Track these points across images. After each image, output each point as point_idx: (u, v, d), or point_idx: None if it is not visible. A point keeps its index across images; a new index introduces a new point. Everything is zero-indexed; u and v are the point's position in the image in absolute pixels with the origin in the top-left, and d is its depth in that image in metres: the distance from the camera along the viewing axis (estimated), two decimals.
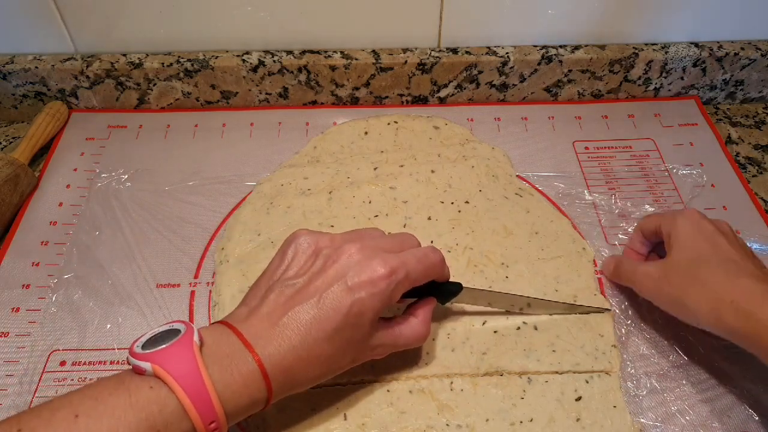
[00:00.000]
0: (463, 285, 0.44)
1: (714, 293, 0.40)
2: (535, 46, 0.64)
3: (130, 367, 0.34)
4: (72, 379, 0.45)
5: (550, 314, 0.48)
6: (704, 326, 0.41)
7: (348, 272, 0.37)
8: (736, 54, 0.64)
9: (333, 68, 0.63)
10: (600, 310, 0.48)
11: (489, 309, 0.48)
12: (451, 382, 0.44)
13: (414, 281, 0.40)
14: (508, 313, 0.48)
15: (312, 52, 0.64)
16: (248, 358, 0.35)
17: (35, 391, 0.44)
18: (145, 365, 0.33)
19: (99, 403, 0.31)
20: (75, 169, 0.59)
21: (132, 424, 0.31)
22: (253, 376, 0.35)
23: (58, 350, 0.46)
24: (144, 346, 0.34)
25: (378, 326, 0.40)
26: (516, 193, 0.57)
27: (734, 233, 0.46)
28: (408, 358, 0.45)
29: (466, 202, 0.56)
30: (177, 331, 0.35)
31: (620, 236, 0.53)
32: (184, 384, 0.32)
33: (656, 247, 0.50)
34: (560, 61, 0.63)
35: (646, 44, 0.65)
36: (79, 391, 0.33)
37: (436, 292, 0.43)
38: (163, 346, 0.34)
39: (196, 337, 0.34)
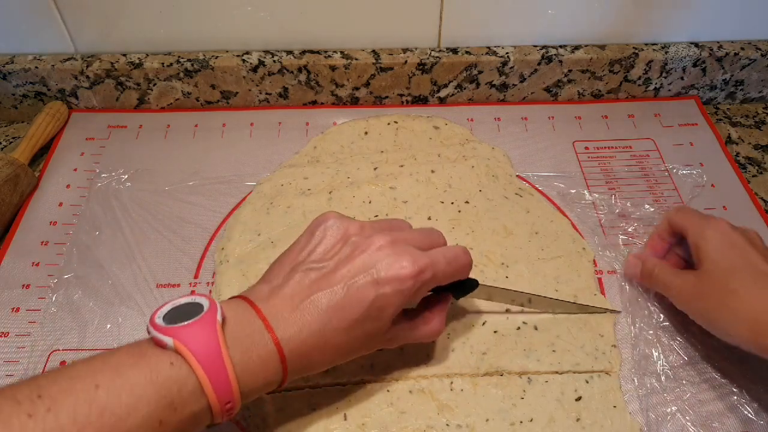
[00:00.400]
0: (479, 282, 0.44)
1: (750, 312, 0.39)
2: (535, 46, 0.64)
3: (149, 336, 0.33)
4: None
5: (557, 313, 0.48)
6: (742, 346, 0.40)
7: (376, 265, 0.37)
8: (736, 54, 0.64)
9: (333, 68, 0.63)
10: (604, 311, 0.48)
11: (488, 308, 0.48)
12: (451, 382, 0.44)
13: (440, 281, 0.39)
14: (508, 312, 0.48)
15: (312, 52, 0.64)
16: (268, 341, 0.34)
17: None
18: (168, 340, 0.32)
19: (119, 376, 0.31)
20: (75, 169, 0.59)
21: (152, 401, 0.31)
22: (271, 359, 0.34)
23: (58, 350, 0.46)
24: (166, 319, 0.33)
25: (397, 321, 0.39)
26: (516, 193, 0.57)
27: (763, 242, 0.44)
28: (408, 358, 0.45)
29: (466, 202, 0.56)
30: (200, 306, 0.34)
31: (620, 236, 0.53)
32: (205, 364, 0.32)
33: (681, 241, 0.49)
34: (560, 61, 0.63)
35: (646, 44, 0.65)
36: (100, 357, 0.32)
37: (454, 287, 0.43)
38: (187, 322, 0.33)
39: (219, 316, 0.34)
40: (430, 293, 0.42)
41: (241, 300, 0.37)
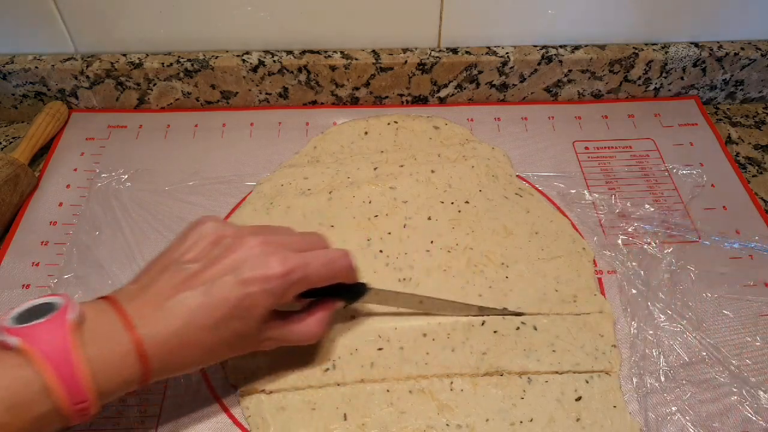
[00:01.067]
0: (369, 286, 0.44)
1: None
2: (535, 46, 0.64)
3: None
4: None
5: (456, 317, 0.47)
6: None
7: (243, 265, 0.37)
8: (736, 54, 0.64)
9: (333, 68, 0.63)
10: (510, 313, 0.47)
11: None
12: (451, 382, 0.44)
13: (314, 283, 0.40)
14: (505, 311, 0.48)
15: (312, 52, 0.64)
16: (127, 339, 0.34)
17: None
18: (13, 340, 0.32)
19: None
20: (75, 169, 0.59)
21: None
22: (130, 357, 0.34)
23: None
24: (19, 320, 0.33)
25: (270, 320, 0.39)
26: (516, 193, 0.57)
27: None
28: (408, 358, 0.45)
29: (466, 202, 0.56)
30: (53, 306, 0.34)
31: (620, 236, 0.53)
32: (53, 363, 0.31)
33: None
34: (560, 61, 0.63)
35: (646, 44, 0.65)
36: None
37: (342, 292, 0.43)
38: (36, 322, 0.33)
39: (72, 314, 0.33)
40: (315, 299, 0.42)
41: (103, 300, 0.37)
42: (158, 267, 0.38)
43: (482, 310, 0.48)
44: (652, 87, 0.66)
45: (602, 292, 0.50)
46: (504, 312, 0.48)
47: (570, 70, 0.64)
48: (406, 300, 0.47)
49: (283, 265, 0.37)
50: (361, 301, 0.44)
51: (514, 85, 0.66)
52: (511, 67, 0.64)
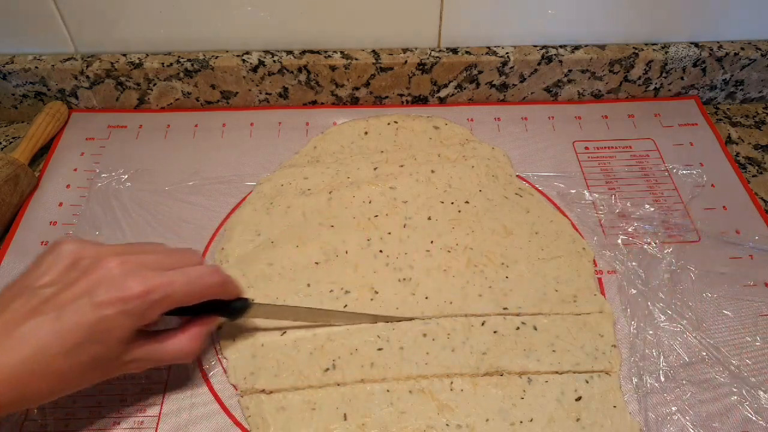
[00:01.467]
0: (252, 302, 0.43)
1: None
2: (535, 46, 0.64)
3: None
4: None
5: (341, 325, 0.47)
6: None
7: (99, 287, 0.36)
8: (736, 54, 0.64)
9: (333, 68, 0.63)
10: (399, 319, 0.47)
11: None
12: (451, 382, 0.44)
13: (178, 302, 0.38)
14: (505, 311, 0.48)
15: (312, 52, 0.64)
16: None
17: None
18: None
19: None
20: (75, 169, 0.59)
21: None
22: None
23: None
24: None
25: (134, 342, 0.38)
26: (516, 193, 0.57)
27: None
28: (408, 358, 0.45)
29: (466, 202, 0.56)
30: None
31: (620, 236, 0.53)
32: None
33: None
34: (560, 61, 0.63)
35: (646, 44, 0.65)
36: None
37: (223, 308, 0.42)
38: None
39: None
40: (190, 317, 0.41)
41: None
42: (11, 293, 0.37)
43: (376, 318, 0.47)
44: (652, 87, 0.66)
45: (602, 292, 0.50)
46: (401, 318, 0.47)
47: (570, 70, 0.64)
48: (293, 312, 0.46)
49: (143, 285, 0.36)
50: (246, 316, 0.44)
51: (514, 85, 0.66)
52: (511, 67, 0.64)
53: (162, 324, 0.40)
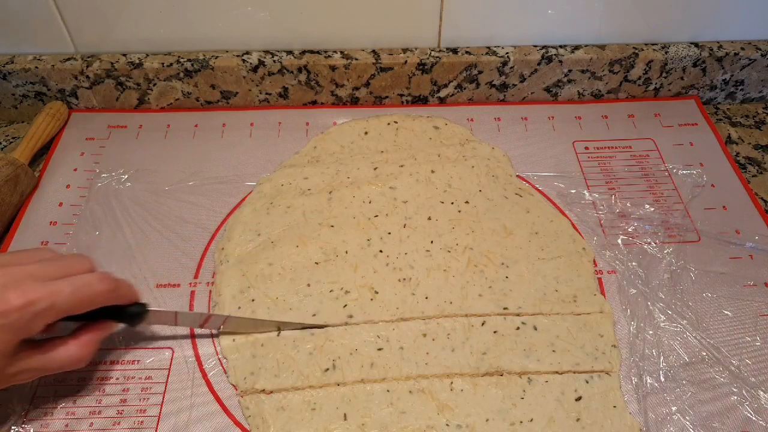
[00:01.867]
0: (148, 307, 0.43)
1: None
2: (535, 46, 0.64)
3: None
4: (72, 379, 0.45)
5: (242, 333, 0.47)
6: None
7: None
8: (736, 54, 0.64)
9: (333, 68, 0.63)
10: (318, 326, 0.47)
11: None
12: (451, 382, 0.44)
13: (65, 311, 0.38)
14: (506, 311, 0.48)
15: (312, 52, 0.64)
16: None
17: (35, 392, 0.44)
18: None
19: None
20: (75, 169, 0.59)
21: None
22: None
23: None
24: None
25: (19, 353, 0.38)
26: (516, 193, 0.57)
27: None
28: (408, 358, 0.45)
29: (466, 202, 0.56)
30: None
31: (620, 236, 0.53)
32: None
33: None
34: (560, 61, 0.63)
35: (646, 44, 0.65)
36: None
37: (118, 314, 0.42)
38: None
39: None
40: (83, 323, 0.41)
41: None
42: None
43: (284, 325, 0.47)
44: (652, 87, 0.66)
45: (602, 292, 0.50)
46: (306, 326, 0.47)
47: (570, 70, 0.64)
48: (193, 318, 0.46)
49: (23, 297, 0.36)
50: (146, 322, 0.44)
51: (514, 85, 0.66)
52: (511, 67, 0.64)
53: (59, 330, 0.40)
